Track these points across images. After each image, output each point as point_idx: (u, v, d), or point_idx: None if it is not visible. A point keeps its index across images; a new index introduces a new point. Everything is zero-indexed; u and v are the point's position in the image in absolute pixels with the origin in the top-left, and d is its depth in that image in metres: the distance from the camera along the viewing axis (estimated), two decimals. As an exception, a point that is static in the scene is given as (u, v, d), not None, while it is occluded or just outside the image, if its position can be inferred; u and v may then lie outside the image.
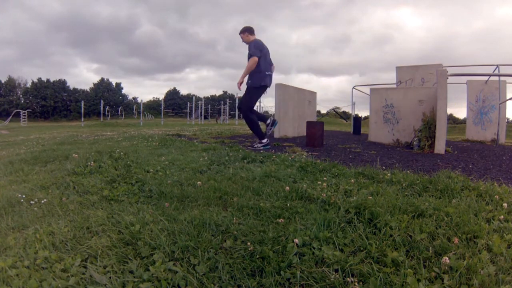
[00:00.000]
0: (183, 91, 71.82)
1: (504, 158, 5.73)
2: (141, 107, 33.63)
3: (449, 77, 6.62)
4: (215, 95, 70.06)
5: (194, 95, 47.57)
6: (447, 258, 1.59)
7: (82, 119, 33.29)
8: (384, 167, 4.23)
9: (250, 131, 12.65)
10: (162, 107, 33.99)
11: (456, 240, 1.85)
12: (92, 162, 4.11)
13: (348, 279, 1.50)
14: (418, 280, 1.48)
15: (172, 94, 68.45)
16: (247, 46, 6.59)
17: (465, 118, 13.08)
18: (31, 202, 2.69)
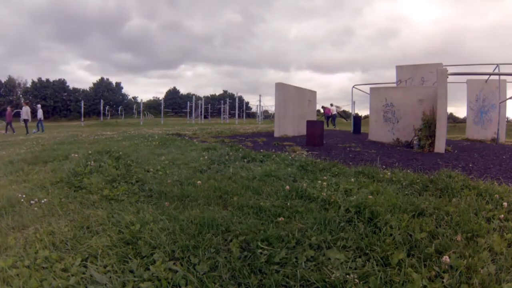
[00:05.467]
0: (181, 90, 71.07)
1: (504, 157, 5.73)
2: (141, 107, 33.62)
3: (449, 76, 6.61)
4: (215, 94, 70.01)
5: (194, 94, 47.60)
6: (447, 257, 1.59)
7: (82, 118, 33.24)
8: (384, 166, 4.22)
9: (250, 131, 12.66)
10: (162, 107, 33.97)
11: (458, 237, 1.85)
12: (92, 162, 4.11)
13: (348, 277, 1.50)
14: (418, 279, 1.48)
15: (172, 94, 68.43)
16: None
17: (465, 117, 13.08)
18: (31, 202, 2.69)
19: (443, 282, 1.46)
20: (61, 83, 57.52)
